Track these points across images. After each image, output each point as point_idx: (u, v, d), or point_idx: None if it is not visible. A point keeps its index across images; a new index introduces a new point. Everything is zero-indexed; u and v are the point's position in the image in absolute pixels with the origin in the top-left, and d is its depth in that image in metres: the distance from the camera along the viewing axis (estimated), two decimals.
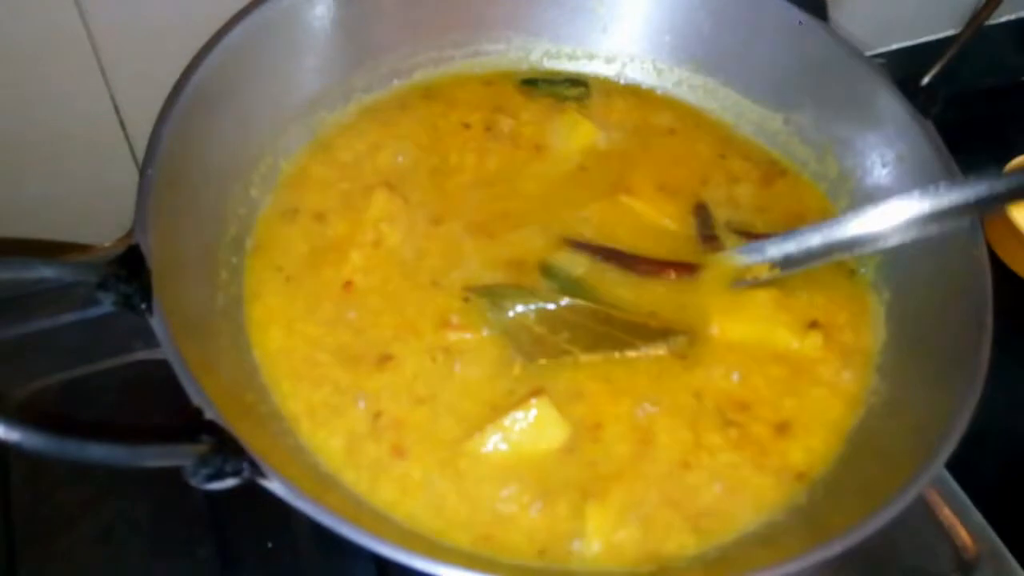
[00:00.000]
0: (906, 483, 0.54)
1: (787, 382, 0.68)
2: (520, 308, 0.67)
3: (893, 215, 0.65)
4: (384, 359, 0.66)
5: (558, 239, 0.73)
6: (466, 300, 0.68)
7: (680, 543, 0.60)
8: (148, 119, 0.62)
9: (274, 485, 0.50)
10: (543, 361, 0.66)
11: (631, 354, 0.67)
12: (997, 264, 1.00)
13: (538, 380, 0.65)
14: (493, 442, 0.62)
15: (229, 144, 0.70)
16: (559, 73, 0.85)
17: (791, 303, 0.71)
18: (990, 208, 0.65)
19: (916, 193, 0.64)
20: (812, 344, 0.70)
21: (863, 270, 0.74)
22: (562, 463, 0.62)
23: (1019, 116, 1.17)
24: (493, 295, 0.68)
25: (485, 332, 0.67)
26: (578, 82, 0.84)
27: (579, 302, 0.68)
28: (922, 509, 0.74)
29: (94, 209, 0.86)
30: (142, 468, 0.47)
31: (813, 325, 0.70)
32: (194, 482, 0.48)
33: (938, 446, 0.56)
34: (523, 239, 0.73)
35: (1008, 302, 0.97)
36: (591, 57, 0.86)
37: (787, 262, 0.70)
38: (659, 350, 0.68)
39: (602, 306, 0.68)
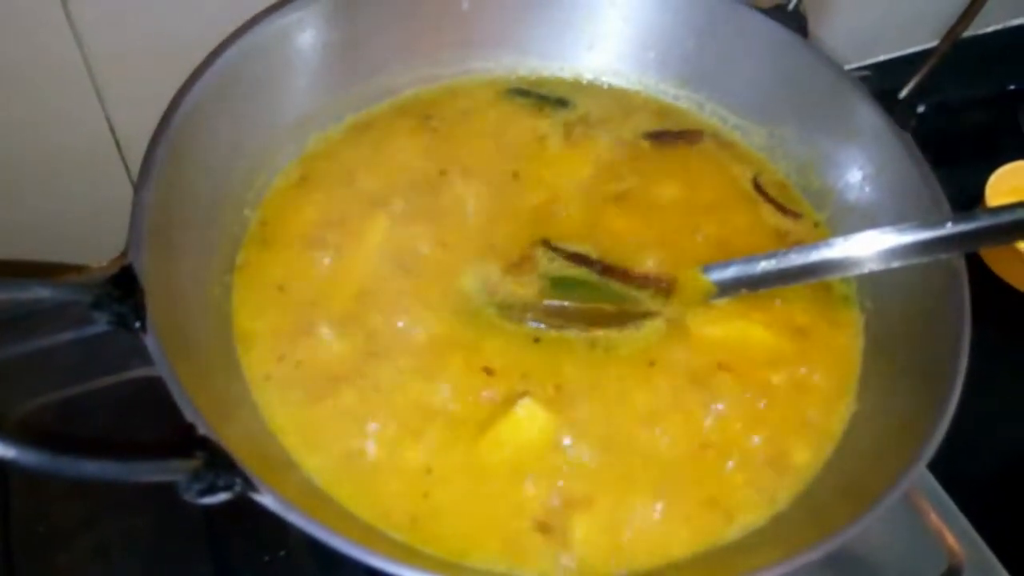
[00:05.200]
0: (886, 489, 0.55)
1: (771, 389, 0.69)
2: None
3: (865, 246, 0.67)
4: (375, 379, 0.66)
5: (534, 241, 0.74)
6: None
7: (662, 550, 0.61)
8: (145, 140, 0.63)
9: (266, 499, 0.51)
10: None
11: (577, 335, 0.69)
12: (986, 273, 1.01)
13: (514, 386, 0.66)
14: (487, 450, 0.63)
15: (222, 164, 0.71)
16: (547, 89, 0.86)
17: (768, 316, 0.72)
18: (968, 247, 0.65)
19: (888, 228, 0.66)
20: (791, 350, 0.70)
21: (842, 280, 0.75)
22: (549, 468, 0.63)
23: (1005, 125, 1.18)
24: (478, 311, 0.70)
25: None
26: (564, 101, 0.85)
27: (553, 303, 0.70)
28: (909, 515, 0.75)
29: (92, 228, 0.87)
30: (136, 483, 0.48)
31: (793, 330, 0.71)
32: (187, 497, 0.48)
33: (918, 452, 0.57)
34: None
35: (997, 311, 0.99)
36: (578, 74, 0.87)
37: (754, 282, 0.71)
38: (620, 331, 0.69)
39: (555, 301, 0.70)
